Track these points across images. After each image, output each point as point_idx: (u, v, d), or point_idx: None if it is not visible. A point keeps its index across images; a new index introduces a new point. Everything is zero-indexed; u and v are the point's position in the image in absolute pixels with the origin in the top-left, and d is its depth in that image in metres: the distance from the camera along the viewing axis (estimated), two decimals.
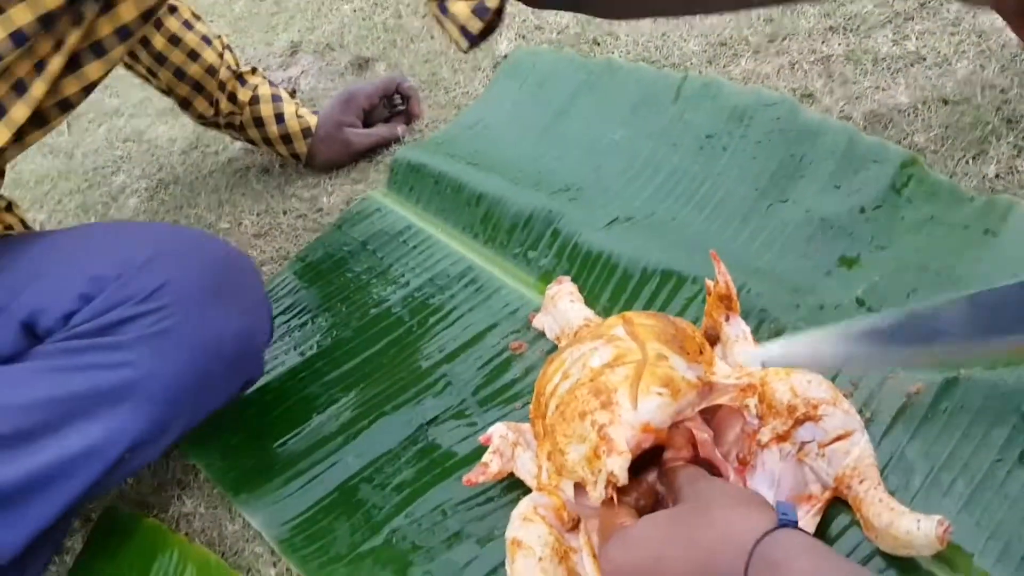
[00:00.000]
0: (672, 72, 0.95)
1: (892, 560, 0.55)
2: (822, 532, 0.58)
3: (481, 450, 0.66)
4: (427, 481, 0.72)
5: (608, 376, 0.58)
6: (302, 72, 1.26)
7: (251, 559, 0.74)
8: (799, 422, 0.58)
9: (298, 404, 0.83)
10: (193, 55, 1.02)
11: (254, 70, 1.07)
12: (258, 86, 1.06)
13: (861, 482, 0.56)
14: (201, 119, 1.07)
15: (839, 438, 0.58)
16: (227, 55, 1.05)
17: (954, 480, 0.57)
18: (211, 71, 1.03)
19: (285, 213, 1.05)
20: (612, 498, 0.56)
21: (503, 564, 0.62)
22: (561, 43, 1.10)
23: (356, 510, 0.72)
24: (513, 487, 0.67)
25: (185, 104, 1.06)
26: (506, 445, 0.66)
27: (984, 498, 0.56)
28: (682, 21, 1.03)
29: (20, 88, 0.72)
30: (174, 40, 1.01)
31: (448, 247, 0.91)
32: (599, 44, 1.07)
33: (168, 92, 1.06)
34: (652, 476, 0.59)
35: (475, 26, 0.69)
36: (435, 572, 0.65)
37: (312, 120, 1.06)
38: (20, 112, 0.73)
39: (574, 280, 0.80)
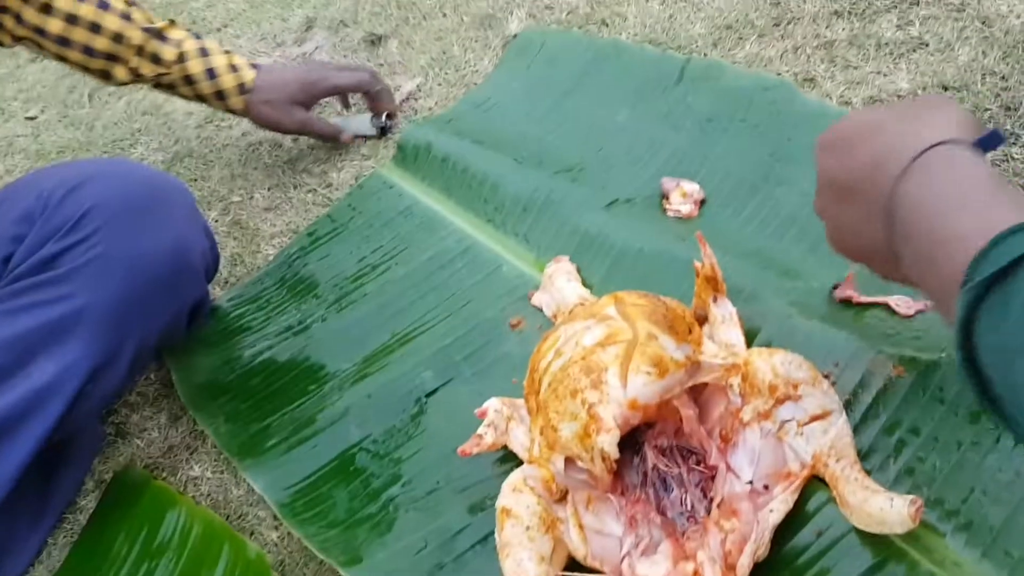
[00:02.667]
0: (676, 55, 0.96)
1: (866, 538, 0.57)
2: (799, 508, 0.59)
3: (476, 423, 0.68)
4: (423, 452, 0.74)
5: (599, 355, 0.60)
6: (316, 48, 1.28)
7: (254, 522, 0.77)
8: (780, 401, 0.60)
9: (302, 374, 0.85)
10: (95, 27, 0.93)
11: (172, 22, 0.99)
12: (182, 41, 0.97)
13: (838, 460, 0.58)
14: (124, 84, 1.00)
15: (817, 418, 0.59)
16: (135, 13, 0.95)
17: (930, 462, 0.59)
18: (118, 38, 0.94)
19: (295, 188, 1.07)
20: (613, 472, 0.59)
21: (493, 532, 0.65)
22: (570, 23, 1.11)
23: (355, 478, 0.74)
24: (505, 460, 0.70)
25: (105, 75, 0.98)
26: (500, 419, 0.68)
27: (959, 480, 0.58)
28: (689, 3, 1.04)
29: None
30: (71, 19, 0.93)
31: (452, 224, 0.93)
32: (608, 25, 1.08)
33: (85, 70, 0.98)
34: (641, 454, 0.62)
35: None
36: (429, 539, 0.68)
37: (249, 74, 0.99)
38: None
39: (572, 259, 0.82)
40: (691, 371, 0.62)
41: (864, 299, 0.68)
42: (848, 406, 0.62)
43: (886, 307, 0.68)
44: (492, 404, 0.69)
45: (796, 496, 0.59)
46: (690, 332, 0.65)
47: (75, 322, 0.73)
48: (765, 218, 0.78)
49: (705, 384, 0.63)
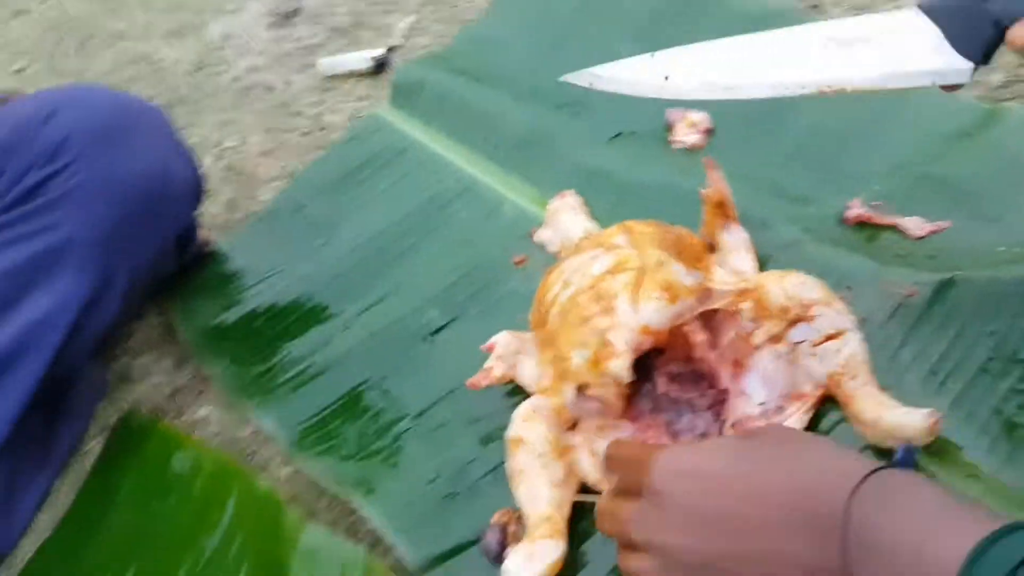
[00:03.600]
0: None
1: (882, 455, 0.57)
2: (813, 428, 0.59)
3: (483, 359, 0.68)
4: (432, 387, 0.73)
5: (609, 282, 0.60)
6: None
7: (264, 461, 0.76)
8: (792, 323, 0.60)
9: (304, 316, 0.84)
10: None
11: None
12: None
13: (853, 379, 0.58)
14: None
15: (831, 337, 0.59)
16: None
17: (946, 378, 0.59)
18: None
19: (290, 131, 1.05)
20: (628, 398, 0.58)
21: (503, 463, 0.64)
22: None
23: (364, 413, 0.74)
24: (514, 393, 0.69)
25: None
26: (509, 352, 0.67)
27: (975, 394, 0.57)
28: None
29: None
30: None
31: (452, 163, 0.91)
32: None
33: None
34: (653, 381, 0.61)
35: None
36: (440, 470, 0.67)
37: None
38: None
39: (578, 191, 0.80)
40: (702, 297, 0.61)
41: (876, 220, 0.68)
42: (862, 328, 0.61)
43: (898, 229, 0.67)
44: (500, 337, 0.68)
45: (809, 416, 0.59)
46: (700, 260, 0.64)
47: (62, 253, 0.73)
48: (774, 146, 0.77)
49: (715, 310, 0.63)
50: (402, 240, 0.86)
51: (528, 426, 0.62)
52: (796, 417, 0.59)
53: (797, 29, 0.56)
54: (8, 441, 0.73)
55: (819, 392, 0.59)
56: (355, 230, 0.89)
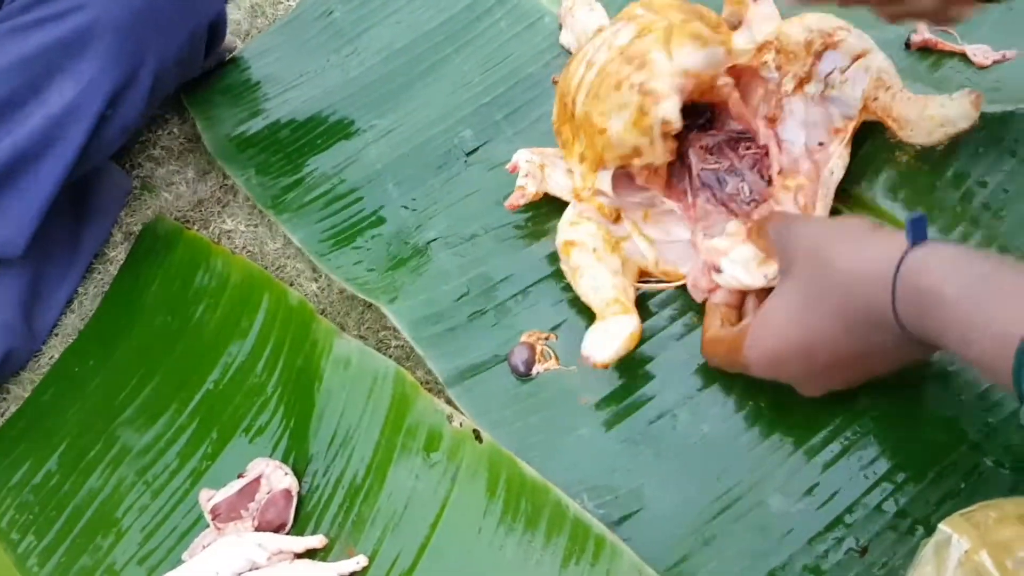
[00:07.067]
0: None
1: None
2: (854, 156, 0.60)
3: (514, 179, 0.66)
4: (462, 204, 0.72)
5: (637, 45, 0.58)
6: None
7: (293, 274, 0.76)
8: (818, 56, 0.59)
9: (332, 128, 0.82)
10: None
11: None
12: None
13: (887, 90, 0.58)
14: None
15: (858, 57, 0.59)
16: None
17: (999, 209, 0.57)
18: None
19: None
20: (675, 150, 0.58)
21: (533, 284, 0.64)
22: None
23: (394, 227, 0.73)
24: (549, 213, 0.68)
25: None
26: (534, 168, 0.66)
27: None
28: None
29: None
30: None
31: None
32: None
33: None
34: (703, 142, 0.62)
35: None
36: (471, 286, 0.67)
37: None
38: None
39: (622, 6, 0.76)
40: (727, 54, 0.60)
41: (942, 46, 0.64)
42: (919, 156, 0.60)
43: (963, 56, 0.64)
44: (521, 155, 0.66)
45: (849, 149, 0.59)
46: (719, 30, 0.62)
47: (89, 36, 0.70)
48: None
49: (740, 74, 0.62)
50: (434, 52, 0.83)
51: (575, 228, 0.62)
52: (838, 152, 0.59)
53: None
54: (34, 239, 0.73)
55: (855, 122, 0.59)
56: (384, 39, 0.85)
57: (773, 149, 0.60)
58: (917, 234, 0.43)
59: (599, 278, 0.58)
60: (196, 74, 0.84)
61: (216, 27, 0.80)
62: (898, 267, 0.42)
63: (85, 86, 0.70)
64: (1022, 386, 0.37)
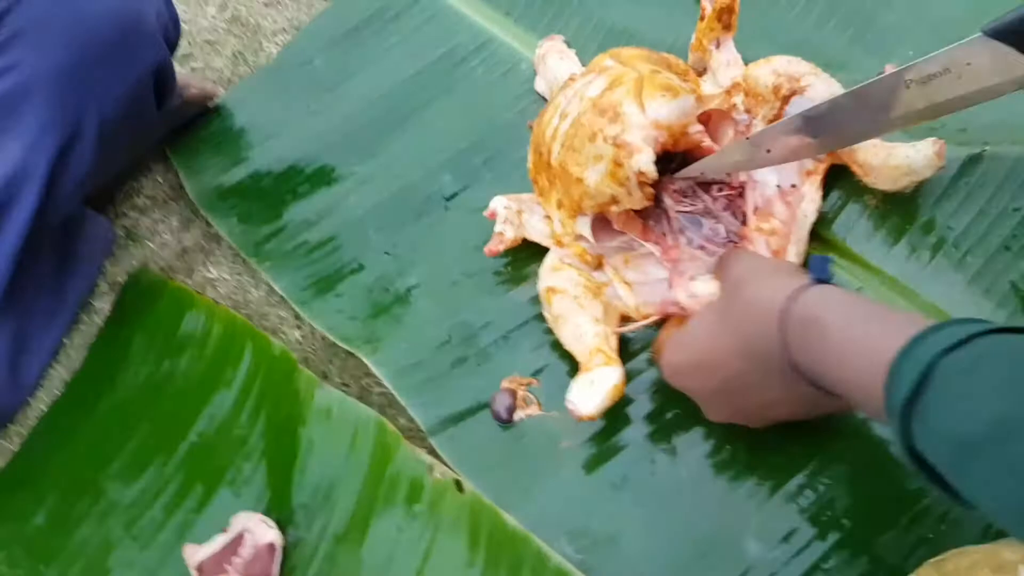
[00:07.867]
0: None
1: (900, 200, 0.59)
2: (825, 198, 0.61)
3: (494, 223, 0.67)
4: (442, 251, 0.73)
5: (608, 97, 0.59)
6: None
7: (276, 322, 0.77)
8: (786, 100, 0.61)
9: (313, 176, 0.83)
10: None
11: None
12: None
13: None
14: None
15: None
16: None
17: (966, 253, 0.58)
18: None
19: None
20: (653, 197, 0.59)
21: (515, 329, 0.65)
22: None
23: (375, 274, 0.73)
24: (529, 258, 0.68)
25: None
26: (512, 214, 0.67)
27: (995, 269, 0.57)
28: None
29: None
30: None
31: (466, 18, 0.87)
32: None
33: None
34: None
35: None
36: (451, 334, 0.67)
37: None
38: None
39: (598, 53, 0.77)
40: (697, 101, 0.61)
41: None
42: (884, 197, 0.61)
43: None
44: (498, 202, 0.67)
45: (821, 191, 0.61)
46: (686, 78, 0.63)
47: (25, 94, 0.70)
48: (806, 7, 0.73)
49: (709, 117, 0.63)
50: (413, 98, 0.84)
51: (557, 274, 0.63)
52: (811, 194, 0.60)
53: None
54: (12, 293, 0.73)
55: (825, 164, 0.61)
56: (364, 87, 0.86)
57: (748, 190, 0.61)
58: (817, 272, 0.49)
59: (582, 327, 0.59)
60: (155, 121, 0.84)
61: (163, 75, 0.80)
62: (789, 299, 0.47)
63: (31, 144, 0.70)
64: (892, 399, 0.38)
